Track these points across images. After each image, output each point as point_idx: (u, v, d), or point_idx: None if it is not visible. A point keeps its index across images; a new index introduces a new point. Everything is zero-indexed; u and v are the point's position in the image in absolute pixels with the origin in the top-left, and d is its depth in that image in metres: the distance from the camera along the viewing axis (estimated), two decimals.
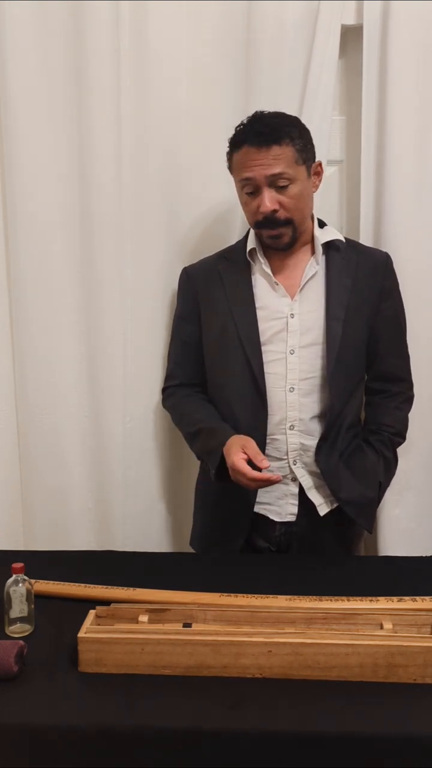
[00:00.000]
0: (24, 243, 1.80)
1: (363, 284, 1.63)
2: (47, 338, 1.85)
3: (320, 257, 1.62)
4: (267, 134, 1.50)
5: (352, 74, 1.86)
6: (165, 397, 1.80)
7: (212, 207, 1.84)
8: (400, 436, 1.71)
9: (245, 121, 1.56)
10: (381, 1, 1.73)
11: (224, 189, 1.81)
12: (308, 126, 1.66)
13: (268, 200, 1.52)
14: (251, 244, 1.64)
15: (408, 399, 1.72)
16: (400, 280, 1.71)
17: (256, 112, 1.57)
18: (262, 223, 1.56)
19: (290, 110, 1.65)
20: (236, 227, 1.85)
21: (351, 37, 1.84)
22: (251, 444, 1.51)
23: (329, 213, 1.91)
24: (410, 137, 1.76)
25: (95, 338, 1.85)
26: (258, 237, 1.64)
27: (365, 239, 1.83)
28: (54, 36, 1.72)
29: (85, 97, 1.73)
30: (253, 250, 1.64)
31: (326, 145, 1.80)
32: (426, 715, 1.06)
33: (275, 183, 1.52)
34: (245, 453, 1.48)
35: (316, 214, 1.73)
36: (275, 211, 1.53)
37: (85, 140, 1.75)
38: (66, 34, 1.71)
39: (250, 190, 1.55)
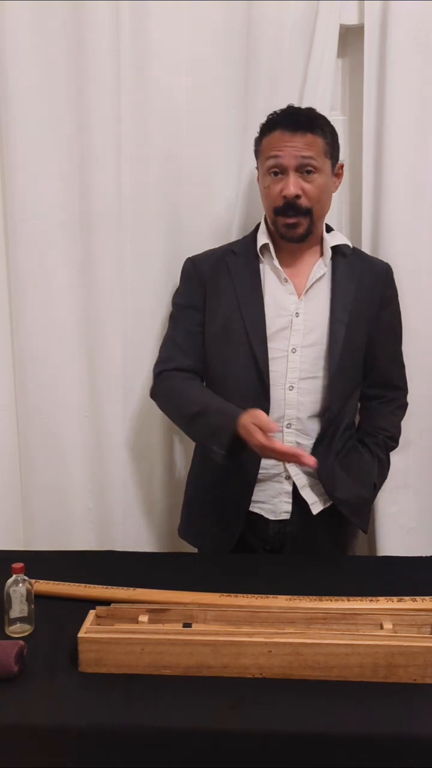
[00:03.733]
0: (24, 243, 1.80)
1: (366, 291, 1.63)
2: (47, 338, 1.85)
3: (328, 259, 1.63)
4: (302, 121, 1.54)
5: (354, 74, 1.86)
6: (160, 380, 1.68)
7: (212, 207, 1.84)
8: (394, 440, 1.72)
9: (278, 111, 1.58)
10: (382, 0, 1.73)
11: (224, 189, 1.81)
12: None
13: (293, 184, 1.53)
14: (263, 239, 1.63)
15: (402, 406, 1.74)
16: (399, 280, 1.72)
17: (290, 105, 1.59)
18: (282, 209, 1.56)
19: None
20: (236, 227, 1.85)
21: (352, 37, 1.84)
22: (260, 415, 1.45)
23: (329, 213, 1.91)
24: (411, 137, 1.76)
25: (95, 338, 1.85)
26: (270, 230, 1.64)
27: (365, 239, 1.83)
28: (54, 36, 1.72)
29: (85, 97, 1.73)
30: (265, 246, 1.63)
31: None
32: (426, 715, 1.06)
33: (302, 168, 1.53)
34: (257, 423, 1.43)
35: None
36: (298, 197, 1.54)
37: (85, 140, 1.75)
38: (66, 34, 1.71)
39: (276, 171, 1.55)
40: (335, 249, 1.64)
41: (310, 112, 1.58)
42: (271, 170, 1.56)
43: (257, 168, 1.65)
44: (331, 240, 1.64)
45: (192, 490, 1.79)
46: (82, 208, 1.79)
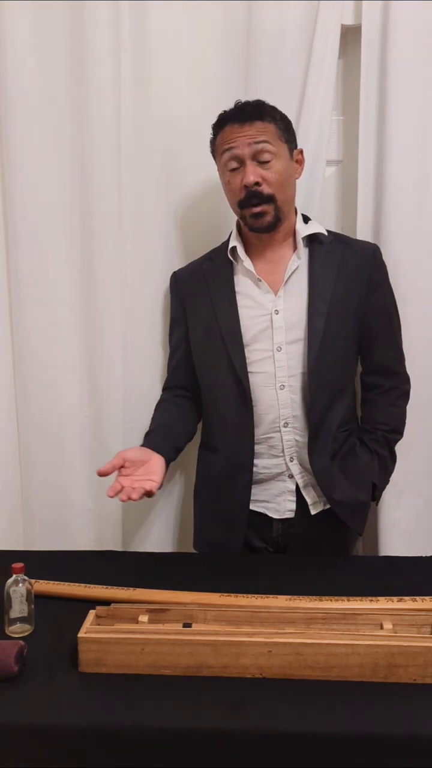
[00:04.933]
0: (24, 243, 1.80)
1: (350, 276, 1.61)
2: (47, 338, 1.85)
3: (302, 251, 1.61)
4: (250, 111, 1.54)
5: (352, 74, 1.86)
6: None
7: (212, 207, 1.84)
8: (397, 432, 1.70)
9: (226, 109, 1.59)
10: (380, 1, 1.73)
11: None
12: (308, 126, 1.67)
13: (251, 173, 1.52)
14: (233, 242, 1.64)
15: (403, 394, 1.71)
16: (398, 280, 1.71)
17: (237, 101, 1.59)
18: (245, 200, 1.55)
19: (290, 111, 1.65)
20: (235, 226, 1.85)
21: (351, 37, 1.84)
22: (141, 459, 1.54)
23: (329, 213, 1.92)
24: (408, 137, 1.76)
25: (95, 338, 1.85)
26: (240, 228, 1.64)
27: (363, 239, 1.83)
28: (54, 36, 1.72)
29: (85, 97, 1.73)
30: (234, 248, 1.63)
31: (326, 145, 1.80)
32: (426, 715, 1.06)
33: (258, 156, 1.53)
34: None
35: (315, 215, 1.73)
36: (258, 184, 1.53)
37: (85, 140, 1.75)
38: (66, 34, 1.71)
39: (233, 165, 1.55)
40: (311, 238, 1.62)
41: (257, 102, 1.57)
42: (228, 164, 1.56)
43: (219, 171, 1.64)
44: (305, 230, 1.62)
45: (198, 503, 1.79)
46: (82, 209, 1.79)
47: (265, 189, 1.54)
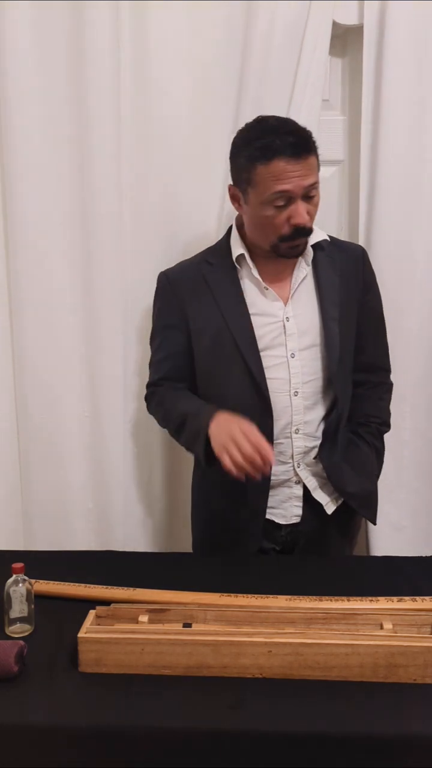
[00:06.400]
0: (24, 243, 1.80)
1: (348, 280, 1.62)
2: (47, 338, 1.85)
3: (310, 259, 1.59)
4: (302, 144, 1.43)
5: (353, 74, 1.86)
6: (150, 400, 1.70)
7: (212, 207, 1.84)
8: (386, 425, 1.72)
9: (264, 132, 1.44)
10: (381, 0, 1.73)
11: (224, 189, 1.81)
12: None
13: (306, 212, 1.46)
14: (238, 249, 1.58)
15: (389, 388, 1.73)
16: (399, 280, 1.72)
17: (269, 121, 1.47)
18: (291, 236, 1.48)
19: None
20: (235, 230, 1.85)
21: (352, 37, 1.84)
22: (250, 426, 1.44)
23: (329, 213, 1.92)
24: (409, 137, 1.76)
25: (95, 338, 1.85)
26: (247, 242, 1.58)
27: (363, 239, 1.83)
28: (54, 36, 1.72)
29: (85, 97, 1.73)
30: (241, 256, 1.58)
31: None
32: (426, 715, 1.06)
33: (308, 193, 1.45)
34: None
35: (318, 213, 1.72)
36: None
37: (85, 141, 1.75)
38: (66, 34, 1.71)
39: (282, 203, 1.44)
40: (314, 245, 1.59)
41: (303, 130, 1.46)
42: (276, 201, 1.44)
43: (239, 192, 1.51)
44: (311, 237, 1.58)
45: (201, 509, 1.76)
46: (82, 209, 1.79)
47: (309, 224, 1.49)
